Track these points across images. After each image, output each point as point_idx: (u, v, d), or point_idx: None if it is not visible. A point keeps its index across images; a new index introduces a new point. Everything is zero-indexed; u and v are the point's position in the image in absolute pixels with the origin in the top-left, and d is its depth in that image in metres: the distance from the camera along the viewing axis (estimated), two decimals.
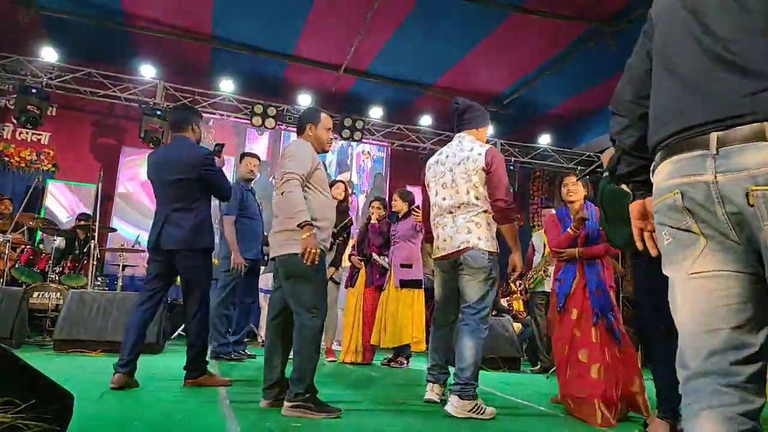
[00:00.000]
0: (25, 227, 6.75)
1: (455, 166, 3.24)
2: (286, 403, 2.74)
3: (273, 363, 2.97)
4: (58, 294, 5.73)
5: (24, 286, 5.62)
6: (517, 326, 6.28)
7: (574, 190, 3.60)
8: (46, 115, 7.65)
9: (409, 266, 5.25)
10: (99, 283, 6.74)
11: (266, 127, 8.61)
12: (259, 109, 8.49)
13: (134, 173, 8.53)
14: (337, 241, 5.15)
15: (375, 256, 5.48)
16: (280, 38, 7.67)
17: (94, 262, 6.21)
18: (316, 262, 2.77)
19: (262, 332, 6.58)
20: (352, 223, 5.58)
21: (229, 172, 8.40)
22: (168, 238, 3.38)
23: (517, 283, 7.20)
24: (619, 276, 4.07)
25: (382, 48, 7.68)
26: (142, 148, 8.06)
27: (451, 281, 3.25)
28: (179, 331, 6.34)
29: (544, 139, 9.79)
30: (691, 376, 1.15)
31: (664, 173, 1.21)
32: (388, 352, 5.69)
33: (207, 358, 3.64)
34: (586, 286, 3.33)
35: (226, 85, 8.48)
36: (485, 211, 3.18)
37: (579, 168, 8.68)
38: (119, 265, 6.67)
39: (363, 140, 9.16)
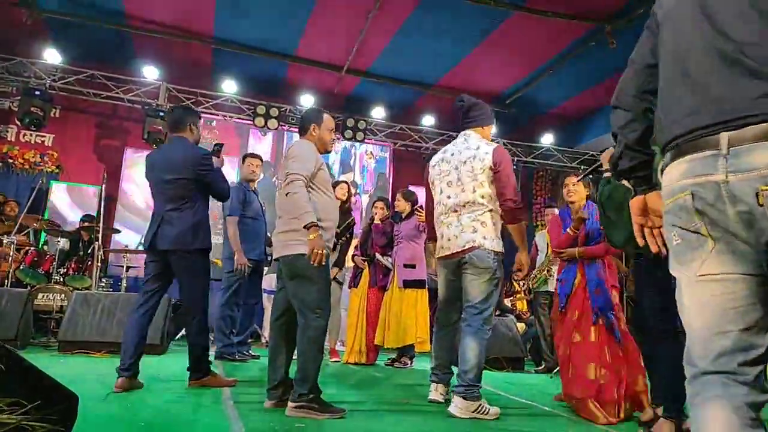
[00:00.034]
0: (30, 229, 6.78)
1: (461, 164, 3.21)
2: (290, 404, 2.75)
3: (277, 363, 2.98)
4: (63, 295, 5.75)
5: (29, 288, 5.64)
6: (521, 326, 6.28)
7: (575, 190, 3.60)
8: (49, 117, 7.68)
9: (413, 266, 5.25)
10: (103, 284, 6.75)
11: (269, 128, 8.63)
12: (261, 109, 8.50)
13: (138, 174, 8.55)
14: (340, 241, 5.16)
15: (378, 256, 5.49)
16: (282, 39, 7.67)
17: (98, 264, 6.24)
18: (323, 264, 2.77)
19: (265, 333, 6.59)
20: (354, 224, 5.58)
21: (232, 172, 8.43)
22: (163, 238, 3.38)
23: (521, 283, 7.20)
24: (623, 275, 4.07)
25: (383, 48, 7.68)
26: (145, 149, 8.07)
27: (454, 281, 3.24)
28: (183, 331, 6.35)
29: (547, 139, 9.78)
30: (698, 374, 1.17)
31: (676, 173, 1.22)
32: (392, 353, 5.69)
33: (211, 359, 3.65)
34: (586, 285, 3.34)
35: (229, 86, 8.49)
36: (491, 211, 3.15)
37: (582, 167, 8.68)
38: (123, 266, 6.68)
39: (365, 140, 9.17)
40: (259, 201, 5.28)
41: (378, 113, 9.23)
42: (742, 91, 1.12)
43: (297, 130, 3.24)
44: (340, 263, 5.27)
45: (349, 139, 9.00)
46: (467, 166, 3.18)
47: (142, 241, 7.19)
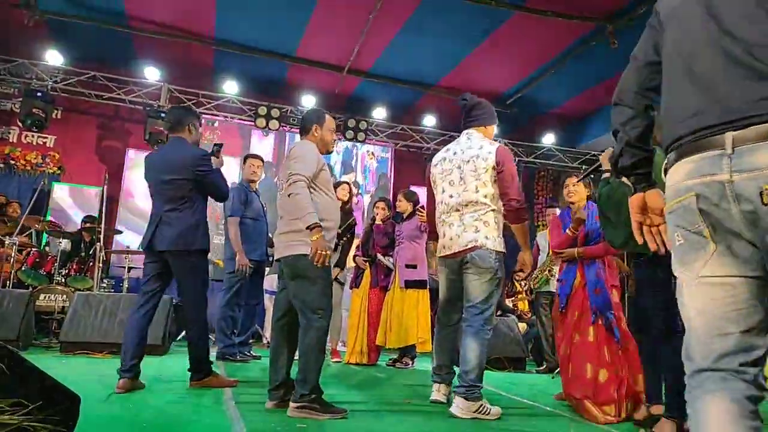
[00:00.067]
0: (32, 230, 6.79)
1: (464, 163, 3.20)
2: (291, 404, 2.75)
3: (278, 364, 2.98)
4: (64, 296, 5.76)
5: (30, 289, 5.65)
6: (522, 326, 6.27)
7: (575, 190, 3.60)
8: (51, 119, 7.70)
9: (414, 267, 5.25)
10: (105, 285, 6.76)
11: (270, 129, 8.64)
12: (262, 110, 8.52)
13: (140, 176, 8.54)
14: (341, 241, 5.16)
15: (380, 256, 5.49)
16: (283, 40, 7.68)
17: (100, 264, 6.24)
18: (327, 264, 2.78)
19: (267, 333, 6.60)
20: (356, 224, 5.58)
21: (235, 173, 8.44)
22: (162, 239, 3.37)
23: (522, 284, 7.19)
24: (624, 275, 4.06)
25: (384, 49, 7.68)
26: (147, 150, 8.06)
27: (456, 280, 3.23)
28: (185, 332, 6.35)
29: (548, 139, 9.77)
30: (699, 370, 1.18)
31: (681, 173, 1.22)
32: (393, 353, 5.69)
33: (212, 359, 3.64)
34: (585, 285, 3.34)
35: (230, 87, 8.50)
36: (493, 210, 3.14)
37: (583, 167, 8.67)
38: (125, 267, 6.70)
39: (367, 141, 9.17)
40: (261, 202, 5.29)
41: (379, 114, 9.23)
42: (747, 91, 1.13)
43: (298, 130, 3.24)
44: (341, 264, 5.27)
45: (350, 140, 9.00)
46: (470, 165, 3.17)
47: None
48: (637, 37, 1.47)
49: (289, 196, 2.84)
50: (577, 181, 3.58)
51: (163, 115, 7.64)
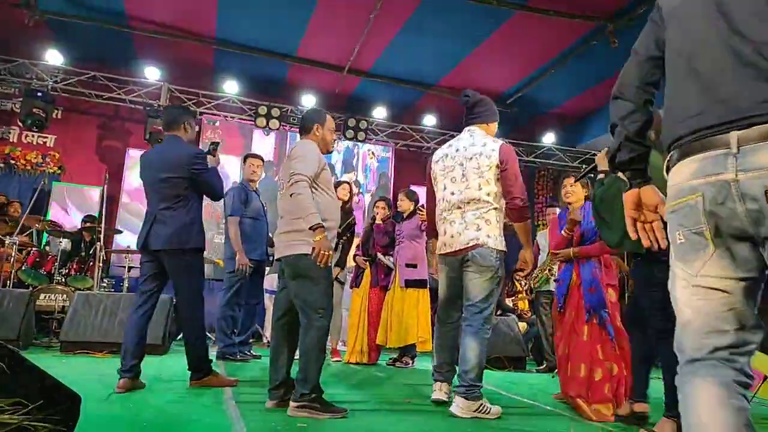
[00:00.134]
0: (32, 230, 6.79)
1: (467, 160, 3.18)
2: (291, 404, 2.75)
3: (279, 363, 2.98)
4: (65, 296, 5.76)
5: (30, 288, 5.65)
6: (523, 325, 6.27)
7: (572, 191, 3.61)
8: (51, 118, 7.70)
9: (414, 266, 5.25)
10: (105, 284, 6.77)
11: (270, 128, 8.64)
12: (263, 110, 8.52)
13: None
14: (341, 241, 5.16)
15: (380, 256, 5.49)
16: (284, 39, 7.68)
17: (100, 264, 6.24)
18: (330, 265, 2.78)
19: (267, 333, 6.60)
20: (355, 223, 5.59)
21: (236, 172, 8.44)
22: (157, 238, 3.37)
23: (523, 283, 7.19)
24: (624, 275, 4.07)
25: (385, 48, 7.67)
26: (147, 150, 8.08)
27: (456, 278, 3.22)
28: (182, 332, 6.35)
29: (548, 138, 9.77)
30: (690, 361, 1.23)
31: (686, 173, 1.22)
32: (393, 352, 5.69)
33: (213, 359, 3.64)
34: (581, 285, 3.34)
35: (230, 87, 8.50)
36: (495, 209, 3.14)
37: (583, 167, 8.67)
38: (125, 267, 6.70)
39: (367, 140, 9.17)
40: (261, 201, 5.29)
41: (379, 113, 9.23)
42: (754, 91, 1.13)
43: (298, 130, 3.24)
44: (341, 263, 5.27)
45: (350, 139, 9.01)
46: (473, 163, 3.15)
47: None
48: (638, 36, 1.47)
49: (291, 195, 2.84)
50: (575, 182, 3.59)
51: None
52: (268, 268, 5.94)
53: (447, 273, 3.28)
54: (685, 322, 1.24)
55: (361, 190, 9.48)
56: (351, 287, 5.77)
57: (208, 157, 3.59)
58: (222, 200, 4.61)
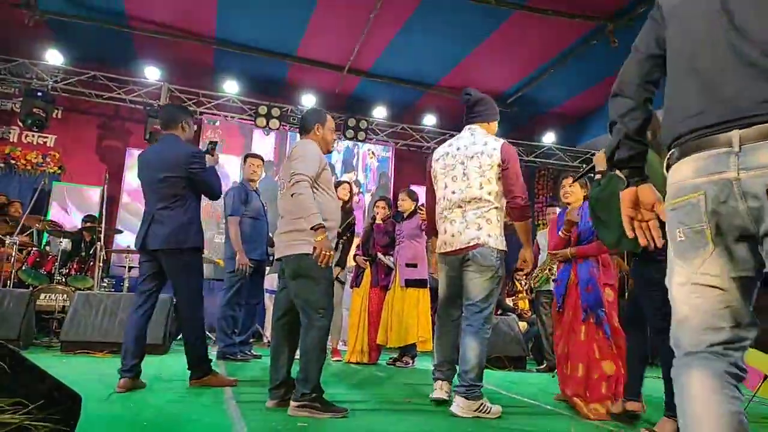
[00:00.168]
0: (32, 229, 6.79)
1: (468, 159, 3.17)
2: (292, 403, 2.75)
3: (279, 363, 2.98)
4: (65, 296, 5.76)
5: (31, 288, 5.66)
6: (523, 325, 6.27)
7: (571, 191, 3.61)
8: (51, 118, 7.71)
9: (414, 266, 5.25)
10: (105, 284, 6.77)
11: (270, 128, 8.65)
12: (263, 110, 8.52)
13: None
14: (341, 240, 5.16)
15: (380, 255, 5.49)
16: (284, 39, 7.68)
17: (100, 264, 6.24)
18: (330, 265, 2.78)
19: (267, 333, 6.60)
20: (355, 222, 5.59)
21: (236, 172, 8.44)
22: (155, 237, 3.36)
23: (523, 282, 7.19)
24: (624, 274, 4.07)
25: (385, 48, 7.68)
26: (144, 149, 8.08)
27: (456, 277, 3.21)
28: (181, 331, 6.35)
29: (548, 138, 9.78)
30: (686, 354, 1.24)
31: (687, 171, 1.23)
32: (394, 352, 5.70)
33: (213, 359, 3.64)
34: (578, 284, 3.35)
35: (230, 87, 8.50)
36: (496, 208, 3.13)
37: (583, 166, 8.67)
38: (125, 267, 6.70)
39: (367, 140, 9.18)
40: (261, 201, 5.29)
41: (379, 113, 9.23)
42: (753, 92, 1.13)
43: (298, 130, 3.24)
44: (342, 263, 5.27)
45: (350, 139, 9.01)
46: (475, 161, 3.14)
47: None
48: (637, 36, 1.47)
49: (292, 195, 2.83)
50: (573, 182, 3.59)
51: None
52: (268, 268, 5.95)
53: (447, 272, 3.27)
54: (682, 318, 1.25)
55: (361, 190, 9.48)
56: (351, 287, 5.77)
57: (207, 156, 3.58)
58: (222, 200, 4.61)
